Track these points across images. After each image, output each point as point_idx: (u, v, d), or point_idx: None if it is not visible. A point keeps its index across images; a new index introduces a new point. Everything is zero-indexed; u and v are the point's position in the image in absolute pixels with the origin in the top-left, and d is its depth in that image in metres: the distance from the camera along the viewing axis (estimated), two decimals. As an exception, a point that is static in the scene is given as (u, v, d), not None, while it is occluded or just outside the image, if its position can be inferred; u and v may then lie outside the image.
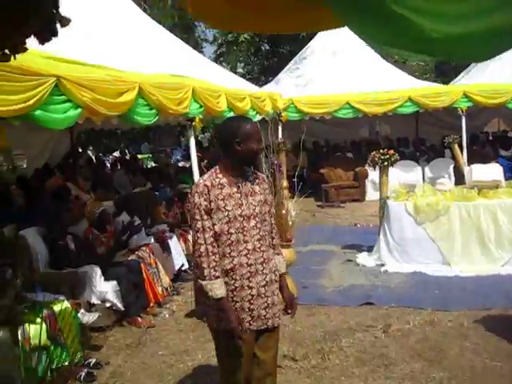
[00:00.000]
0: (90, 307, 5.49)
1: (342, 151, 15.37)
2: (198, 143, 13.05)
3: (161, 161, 15.84)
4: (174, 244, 7.25)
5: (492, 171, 10.68)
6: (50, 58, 4.51)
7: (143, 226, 7.01)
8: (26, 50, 1.75)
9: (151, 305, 6.20)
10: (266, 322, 3.13)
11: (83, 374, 4.66)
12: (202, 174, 7.38)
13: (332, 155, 15.16)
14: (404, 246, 7.49)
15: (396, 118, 15.64)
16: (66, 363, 4.61)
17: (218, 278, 2.96)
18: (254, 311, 3.07)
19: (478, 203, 7.29)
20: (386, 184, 7.74)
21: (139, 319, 5.84)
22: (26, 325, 4.41)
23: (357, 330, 5.37)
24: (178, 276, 7.32)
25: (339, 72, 14.06)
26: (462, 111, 12.60)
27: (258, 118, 9.77)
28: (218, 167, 3.14)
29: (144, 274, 6.18)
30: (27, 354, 4.08)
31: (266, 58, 26.43)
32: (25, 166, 11.41)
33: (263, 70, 26.23)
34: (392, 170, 8.02)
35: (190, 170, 11.84)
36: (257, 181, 3.19)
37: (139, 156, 17.24)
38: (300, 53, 16.36)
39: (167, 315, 6.14)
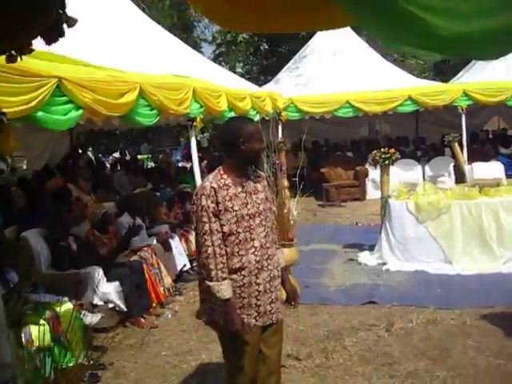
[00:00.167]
0: (93, 308, 5.48)
1: (342, 150, 15.36)
2: (197, 143, 13.06)
3: (163, 160, 15.83)
4: (176, 244, 7.25)
5: (493, 169, 10.64)
6: (50, 59, 4.51)
7: (143, 226, 7.00)
8: (32, 50, 1.74)
9: (154, 305, 6.19)
10: (271, 316, 3.17)
11: (87, 374, 4.65)
12: (202, 174, 7.42)
13: (332, 154, 15.16)
14: (405, 245, 7.49)
15: (396, 117, 15.64)
16: (70, 364, 4.61)
17: (225, 279, 2.99)
18: (261, 307, 3.11)
19: (480, 201, 7.29)
20: (387, 183, 7.73)
21: (142, 320, 5.83)
22: (30, 326, 4.42)
23: (360, 329, 5.37)
24: (179, 276, 7.32)
25: (339, 71, 14.07)
26: (462, 109, 12.60)
27: (258, 117, 9.76)
28: (221, 168, 3.15)
29: (146, 275, 6.17)
30: (31, 356, 4.09)
31: (265, 58, 26.43)
32: (25, 167, 11.41)
33: (262, 69, 26.23)
34: (392, 169, 8.02)
35: (190, 170, 11.89)
36: (258, 179, 3.24)
37: (139, 156, 17.22)
38: (300, 52, 16.37)
39: (170, 315, 6.14)
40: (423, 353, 4.76)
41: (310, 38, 17.23)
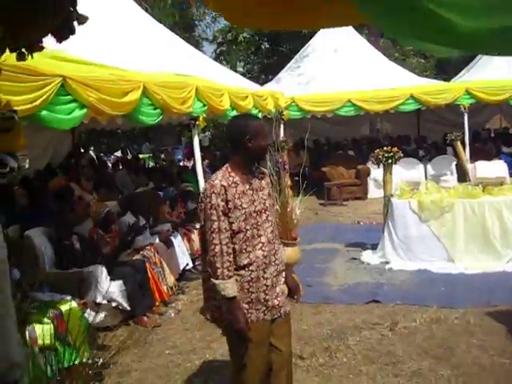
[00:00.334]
0: (97, 307, 5.48)
1: (344, 149, 15.35)
2: (199, 142, 13.04)
3: (167, 158, 15.85)
4: (179, 243, 7.25)
5: (496, 168, 10.61)
6: (54, 58, 4.51)
7: (147, 225, 7.00)
8: (42, 48, 1.74)
9: (157, 304, 6.19)
10: (279, 310, 3.21)
11: (91, 373, 4.65)
12: (204, 173, 7.42)
13: (333, 153, 15.14)
14: (408, 244, 7.48)
15: (397, 116, 15.64)
16: (74, 363, 4.61)
17: (230, 277, 3.01)
18: (269, 302, 3.14)
19: (483, 200, 7.28)
20: (389, 182, 7.73)
21: (145, 318, 5.83)
22: (34, 325, 4.42)
23: (363, 328, 5.37)
24: (182, 275, 7.33)
25: (340, 70, 14.07)
26: (465, 108, 12.59)
27: (260, 116, 9.76)
28: (228, 166, 3.17)
29: (149, 274, 6.18)
30: (35, 354, 4.09)
31: (266, 57, 26.42)
32: (27, 166, 11.39)
33: (263, 68, 26.22)
34: (394, 168, 8.01)
35: (192, 169, 11.89)
36: (262, 175, 3.28)
37: (140, 156, 17.21)
38: (301, 51, 16.36)
39: (173, 314, 6.14)
40: (427, 352, 4.75)
41: (311, 37, 17.22)
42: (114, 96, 4.93)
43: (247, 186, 3.12)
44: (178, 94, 6.22)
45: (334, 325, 5.51)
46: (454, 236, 7.26)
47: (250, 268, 3.09)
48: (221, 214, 3.01)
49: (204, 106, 6.98)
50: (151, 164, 16.52)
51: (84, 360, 4.80)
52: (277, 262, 3.21)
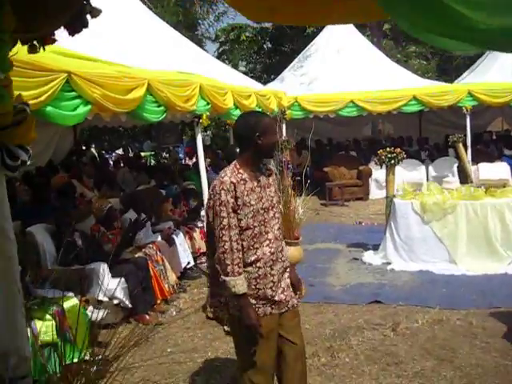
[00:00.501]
0: (98, 304, 5.47)
1: (346, 150, 15.34)
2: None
3: (172, 156, 15.88)
4: (180, 241, 7.24)
5: (499, 170, 10.63)
6: (60, 54, 4.49)
7: (148, 220, 6.98)
8: (54, 41, 1.73)
9: (158, 302, 6.18)
10: (286, 304, 3.22)
11: (92, 370, 4.63)
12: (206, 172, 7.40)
13: (335, 154, 15.13)
14: (410, 245, 7.47)
15: (399, 117, 15.64)
16: (75, 360, 4.59)
17: (240, 274, 3.02)
18: (275, 297, 3.15)
19: (485, 202, 7.27)
20: (392, 182, 7.71)
21: (147, 316, 5.82)
22: (36, 321, 4.41)
23: (365, 329, 5.36)
24: (183, 274, 7.31)
25: (343, 70, 14.08)
26: (467, 110, 12.58)
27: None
28: (236, 162, 3.17)
29: (151, 271, 6.16)
30: (36, 351, 4.07)
31: (268, 57, 26.43)
32: (29, 162, 11.36)
33: (265, 68, 26.22)
34: (396, 169, 8.00)
35: (193, 167, 11.88)
36: (268, 172, 3.29)
37: (142, 154, 17.20)
38: (304, 51, 16.35)
39: (174, 312, 6.13)
40: (429, 353, 4.74)
41: (314, 37, 17.23)
42: (118, 93, 4.91)
43: (255, 183, 3.12)
44: (182, 91, 6.21)
45: (336, 325, 5.50)
46: (456, 238, 7.24)
47: (258, 265, 3.09)
48: (230, 210, 3.01)
49: (208, 104, 6.96)
50: (153, 162, 16.52)
51: (85, 357, 4.80)
52: (283, 258, 3.23)
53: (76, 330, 4.61)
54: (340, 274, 7.25)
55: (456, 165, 13.24)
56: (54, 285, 5.19)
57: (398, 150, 7.62)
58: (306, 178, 7.10)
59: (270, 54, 26.45)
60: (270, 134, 3.14)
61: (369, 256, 7.84)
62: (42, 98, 3.93)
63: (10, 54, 1.60)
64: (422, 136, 16.65)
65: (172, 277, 6.66)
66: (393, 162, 7.56)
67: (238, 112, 8.38)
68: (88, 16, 1.78)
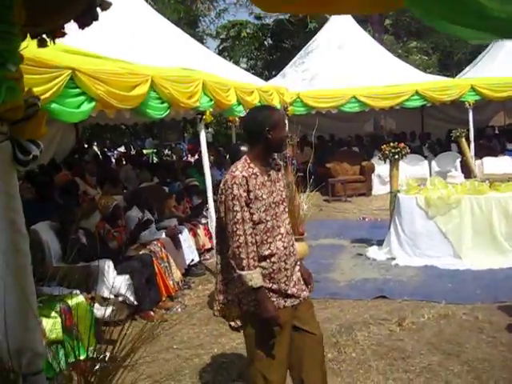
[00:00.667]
0: (104, 301, 5.46)
1: (348, 146, 15.31)
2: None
3: (176, 153, 15.90)
4: (185, 238, 7.23)
5: (503, 164, 10.59)
6: (63, 51, 4.48)
7: (154, 220, 6.99)
8: (64, 34, 1.72)
9: (163, 299, 6.18)
10: (298, 296, 3.21)
11: (99, 368, 4.62)
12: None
13: (337, 150, 15.11)
14: (415, 240, 7.45)
15: (401, 113, 15.61)
16: (82, 357, 4.58)
17: (256, 267, 3.02)
18: (288, 291, 3.16)
19: (490, 196, 7.25)
20: (396, 177, 7.70)
21: (152, 313, 5.82)
22: (42, 319, 4.40)
23: (371, 324, 5.35)
24: (188, 270, 7.31)
25: (345, 66, 14.03)
26: (470, 105, 12.55)
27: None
28: (247, 157, 3.17)
29: (156, 268, 6.15)
30: (44, 349, 4.07)
31: (269, 53, 26.38)
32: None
33: (267, 64, 26.18)
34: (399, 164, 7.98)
35: (195, 164, 11.88)
36: (278, 167, 3.29)
37: (144, 151, 17.23)
38: (305, 47, 16.31)
39: (180, 309, 6.12)
40: (436, 347, 4.73)
41: (315, 33, 17.19)
42: (122, 89, 4.90)
43: (266, 178, 3.13)
44: (186, 88, 6.20)
45: (342, 320, 5.49)
46: (461, 232, 7.23)
47: (272, 260, 3.09)
48: (243, 204, 3.01)
49: (211, 100, 6.95)
50: (155, 159, 16.51)
51: (91, 354, 4.79)
52: (294, 252, 3.25)
53: (81, 326, 4.63)
54: (344, 270, 7.24)
55: (459, 160, 13.23)
56: (59, 282, 5.19)
57: (402, 144, 7.60)
58: (309, 174, 7.11)
59: (270, 50, 26.40)
60: (280, 129, 3.14)
61: (373, 251, 7.82)
62: (47, 95, 3.92)
63: (21, 47, 1.59)
64: (424, 131, 16.63)
65: (177, 273, 6.66)
66: (397, 156, 7.55)
67: (240, 108, 8.38)
68: (98, 9, 1.76)
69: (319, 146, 15.46)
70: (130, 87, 5.05)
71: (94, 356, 4.70)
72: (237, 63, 22.89)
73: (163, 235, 6.88)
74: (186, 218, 8.03)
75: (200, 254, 7.70)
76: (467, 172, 11.77)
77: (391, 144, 7.62)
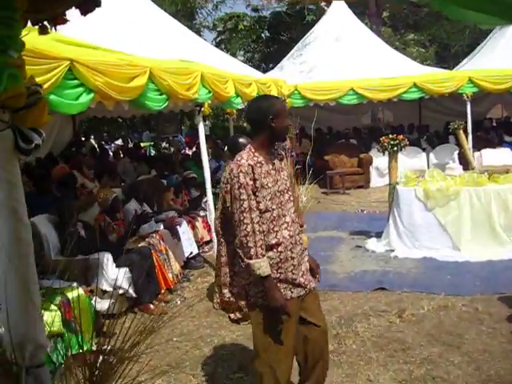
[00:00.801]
0: (103, 294, 5.45)
1: (346, 138, 15.29)
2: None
3: (173, 146, 15.87)
4: (184, 231, 7.21)
5: (502, 156, 10.57)
6: (60, 41, 4.43)
7: (153, 213, 6.97)
8: (66, 21, 1.69)
9: (162, 292, 6.16)
10: (305, 286, 3.22)
11: (99, 361, 4.61)
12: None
13: (335, 142, 15.09)
14: (413, 232, 7.45)
15: (399, 105, 15.58)
16: (81, 350, 4.57)
17: (264, 256, 3.02)
18: (296, 280, 3.16)
19: (489, 188, 7.25)
20: (395, 169, 7.68)
21: (151, 306, 5.80)
22: (41, 312, 4.38)
23: (371, 315, 5.35)
24: (187, 263, 7.29)
25: (343, 58, 14.02)
26: (468, 97, 12.53)
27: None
28: (251, 146, 3.18)
29: (155, 261, 6.14)
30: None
31: (266, 46, 26.29)
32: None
33: (264, 57, 26.11)
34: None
35: (193, 157, 11.83)
36: (280, 156, 3.30)
37: (141, 144, 17.17)
38: (303, 39, 16.27)
39: (179, 302, 6.11)
40: (436, 339, 4.73)
41: (313, 25, 17.13)
42: (120, 81, 4.87)
43: (270, 166, 3.14)
44: (184, 79, 6.16)
45: (341, 312, 5.49)
46: (460, 224, 7.22)
47: (279, 249, 3.09)
48: (250, 192, 3.01)
49: (209, 92, 6.91)
50: (153, 152, 16.47)
51: (92, 347, 4.78)
52: (300, 241, 3.25)
53: (81, 319, 4.61)
54: (344, 262, 7.24)
55: (457, 152, 13.21)
56: (58, 275, 5.17)
57: (401, 136, 7.59)
58: (308, 167, 7.10)
59: (268, 42, 26.32)
60: (283, 117, 3.15)
61: (372, 243, 7.82)
62: (45, 87, 3.87)
63: (22, 34, 1.57)
64: (422, 124, 16.62)
65: (176, 266, 6.64)
66: (395, 148, 7.53)
67: (239, 100, 8.35)
68: (100, -5, 1.74)
69: (317, 138, 15.45)
70: (128, 79, 5.01)
71: (96, 349, 4.71)
72: (234, 56, 22.81)
73: (161, 227, 6.86)
74: (185, 211, 8.01)
75: (199, 247, 7.69)
76: (465, 164, 11.76)
77: (390, 136, 7.60)
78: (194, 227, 7.74)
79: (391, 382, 4.06)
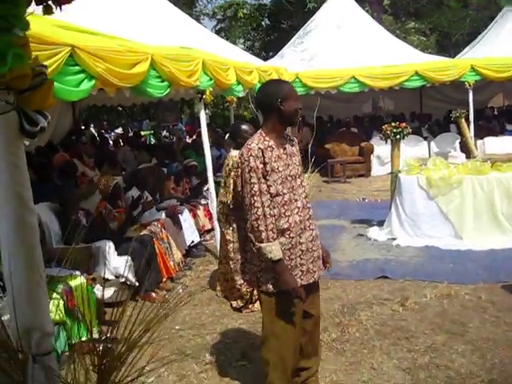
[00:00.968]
0: (105, 282, 5.42)
1: (347, 126, 15.23)
2: (199, 119, 12.90)
3: (176, 135, 15.84)
4: (185, 219, 7.18)
5: (505, 144, 10.51)
6: (62, 27, 4.37)
7: (154, 201, 6.93)
8: (70, 1, 1.65)
9: (164, 280, 6.14)
10: (313, 275, 3.22)
11: (101, 349, 4.59)
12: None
13: (336, 130, 15.03)
14: (415, 220, 7.42)
15: (400, 93, 15.51)
16: (84, 338, 4.56)
17: (275, 239, 3.01)
18: (304, 266, 3.16)
19: (491, 176, 7.21)
20: (397, 157, 7.64)
21: (153, 294, 5.78)
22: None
23: (374, 304, 5.33)
24: (188, 252, 7.27)
25: (344, 46, 13.94)
26: (469, 85, 12.47)
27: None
28: (261, 131, 3.16)
29: (157, 249, 6.11)
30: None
31: (266, 34, 26.14)
32: (27, 143, 11.24)
33: (264, 45, 25.97)
34: (399, 145, 7.91)
35: (192, 145, 11.77)
36: (292, 142, 3.29)
37: (142, 133, 17.12)
38: (304, 27, 16.16)
39: (181, 290, 6.09)
40: (440, 327, 4.71)
41: (313, 13, 17.01)
42: (122, 67, 4.80)
43: (282, 151, 3.12)
44: (186, 66, 6.09)
45: (344, 300, 5.48)
46: (462, 212, 7.19)
47: (291, 235, 3.08)
48: (260, 176, 3.00)
49: (210, 79, 6.85)
50: (153, 141, 16.41)
51: (94, 335, 4.76)
52: (311, 226, 3.23)
53: (83, 307, 4.60)
54: (346, 250, 7.22)
55: (458, 141, 13.18)
56: (59, 264, 5.14)
57: (403, 124, 7.54)
58: (310, 156, 7.05)
59: (268, 30, 26.17)
60: (292, 100, 3.13)
61: (374, 232, 7.79)
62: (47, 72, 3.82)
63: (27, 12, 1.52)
64: (423, 112, 16.55)
65: (177, 254, 6.62)
66: (398, 136, 7.48)
67: (240, 88, 8.28)
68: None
69: (318, 126, 15.36)
70: (129, 65, 4.94)
71: (100, 337, 4.70)
72: (234, 44, 22.69)
73: (163, 216, 6.83)
74: (186, 199, 7.97)
75: (200, 235, 7.66)
76: (467, 153, 11.73)
77: (392, 124, 7.54)
78: (195, 215, 7.71)
79: (395, 370, 4.04)
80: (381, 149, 12.57)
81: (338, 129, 15.26)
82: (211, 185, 7.22)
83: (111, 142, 14.20)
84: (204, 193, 8.28)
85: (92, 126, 17.41)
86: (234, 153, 5.46)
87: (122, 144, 13.31)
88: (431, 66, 12.97)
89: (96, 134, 14.98)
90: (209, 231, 8.09)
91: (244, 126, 5.47)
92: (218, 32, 25.15)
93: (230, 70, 7.59)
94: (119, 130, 20.08)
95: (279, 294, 3.09)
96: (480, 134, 12.71)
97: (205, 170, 7.52)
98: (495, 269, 6.13)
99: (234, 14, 25.10)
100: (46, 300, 1.69)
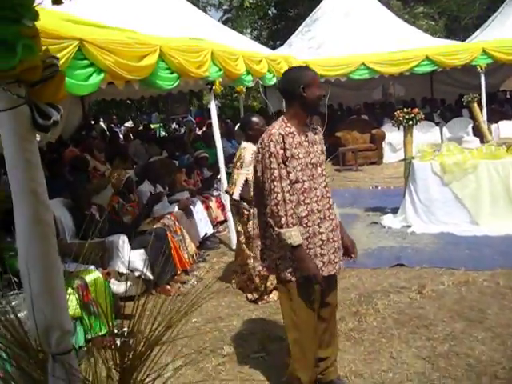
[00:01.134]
0: (120, 276, 5.41)
1: (357, 114, 15.10)
2: (208, 111, 12.90)
3: (188, 126, 15.82)
4: (198, 211, 7.15)
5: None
6: (70, 21, 4.33)
7: (166, 193, 6.91)
8: (80, -10, 1.60)
9: (179, 273, 6.12)
10: (335, 266, 3.22)
11: (118, 343, 4.59)
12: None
13: (347, 118, 14.90)
14: (430, 207, 7.34)
15: (410, 79, 15.34)
16: (101, 333, 4.56)
17: (295, 225, 2.99)
18: (325, 256, 3.13)
19: (507, 161, 7.09)
20: (410, 143, 7.54)
21: (168, 287, 5.78)
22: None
23: (391, 292, 5.28)
24: (202, 244, 7.24)
25: (352, 33, 13.80)
26: (481, 69, 12.30)
27: (275, 80, 9.57)
28: (284, 117, 3.15)
29: (170, 242, 6.08)
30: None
31: (273, 23, 25.99)
32: (39, 138, 11.29)
33: (271, 34, 25.83)
34: (411, 131, 7.81)
35: (203, 137, 11.73)
36: (315, 130, 3.25)
37: (151, 126, 17.11)
38: (311, 14, 16.02)
39: (196, 282, 6.07)
40: (459, 314, 4.66)
41: (320, 0, 16.84)
42: (130, 60, 4.76)
43: (303, 138, 3.10)
44: (195, 57, 6.04)
45: (360, 289, 5.43)
46: (478, 198, 7.09)
47: (308, 224, 3.06)
48: (280, 161, 2.99)
49: (220, 70, 6.79)
50: (162, 133, 16.39)
51: (111, 330, 4.75)
52: (331, 216, 3.21)
53: (99, 302, 4.59)
54: (360, 239, 7.13)
55: (471, 125, 13.02)
56: (74, 259, 5.13)
57: (416, 110, 7.43)
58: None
59: (275, 19, 26.02)
60: (315, 87, 3.10)
61: (388, 219, 7.72)
62: (55, 67, 3.79)
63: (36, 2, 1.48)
64: (434, 97, 16.38)
65: (191, 247, 6.60)
66: (411, 122, 7.38)
67: (249, 78, 8.22)
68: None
69: (329, 114, 15.26)
70: (138, 57, 4.90)
71: (118, 332, 4.68)
72: (241, 34, 22.56)
73: (176, 209, 6.81)
74: (198, 191, 7.94)
75: (213, 227, 7.64)
76: (480, 137, 11.59)
77: (405, 110, 7.44)
78: (207, 207, 7.68)
79: (414, 358, 4.00)
80: (392, 135, 12.44)
81: (349, 116, 15.14)
82: (223, 176, 7.18)
83: (121, 136, 14.19)
84: (216, 184, 8.25)
85: (101, 120, 17.41)
86: (244, 145, 5.43)
87: (132, 137, 13.29)
88: (442, 50, 12.80)
89: (106, 129, 14.98)
90: (222, 222, 8.06)
91: (254, 118, 5.45)
92: (224, 22, 25.00)
93: (239, 59, 7.53)
94: (129, 124, 20.08)
95: (298, 282, 3.08)
96: (493, 118, 12.55)
97: (216, 161, 7.49)
98: (511, 254, 6.04)
99: (241, 4, 24.89)
100: (65, 298, 1.67)
